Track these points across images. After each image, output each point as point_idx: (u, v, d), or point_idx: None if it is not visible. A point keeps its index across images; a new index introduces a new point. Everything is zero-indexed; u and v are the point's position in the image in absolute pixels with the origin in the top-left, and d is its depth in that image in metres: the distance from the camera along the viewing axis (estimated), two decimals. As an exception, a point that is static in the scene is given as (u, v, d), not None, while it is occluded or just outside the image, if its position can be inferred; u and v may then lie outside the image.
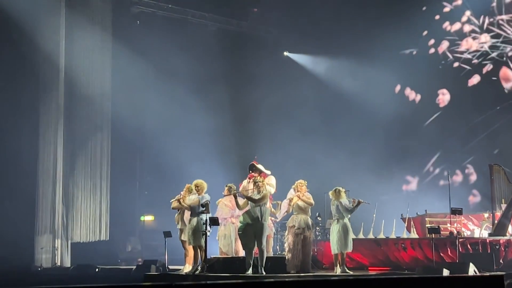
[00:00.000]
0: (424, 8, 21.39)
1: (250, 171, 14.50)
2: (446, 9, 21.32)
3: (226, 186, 14.43)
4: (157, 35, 22.32)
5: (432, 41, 21.50)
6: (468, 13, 20.90)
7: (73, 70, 20.58)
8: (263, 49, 23.22)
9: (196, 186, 13.67)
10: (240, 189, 14.16)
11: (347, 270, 13.49)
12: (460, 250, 14.36)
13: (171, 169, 21.21)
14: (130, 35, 21.89)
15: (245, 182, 14.34)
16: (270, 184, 13.87)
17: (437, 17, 21.37)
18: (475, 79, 20.74)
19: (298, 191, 13.77)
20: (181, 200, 13.87)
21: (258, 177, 13.50)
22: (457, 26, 21.16)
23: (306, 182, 13.81)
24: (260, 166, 14.49)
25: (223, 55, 22.48)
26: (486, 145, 19.96)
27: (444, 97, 21.13)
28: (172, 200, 14.18)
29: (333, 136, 21.57)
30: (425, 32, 21.49)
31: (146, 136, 23.02)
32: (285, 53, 24.37)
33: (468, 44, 20.91)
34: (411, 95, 21.81)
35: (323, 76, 23.22)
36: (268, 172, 14.43)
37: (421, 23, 21.20)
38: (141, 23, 22.61)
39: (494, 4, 20.29)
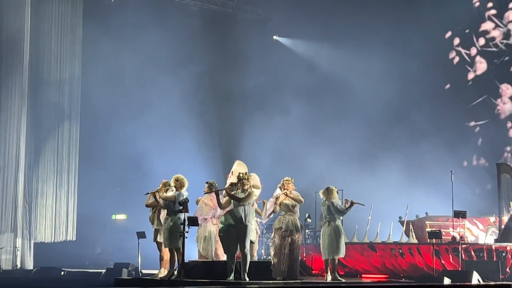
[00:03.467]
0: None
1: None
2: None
3: (207, 183, 14.27)
4: (133, 14, 22.42)
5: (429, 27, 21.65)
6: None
7: (39, 52, 20.56)
8: (249, 31, 23.17)
9: (176, 180, 13.45)
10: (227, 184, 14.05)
11: (339, 278, 13.41)
12: (463, 257, 14.38)
13: (147, 163, 21.17)
14: (103, 14, 21.89)
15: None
16: (255, 186, 13.78)
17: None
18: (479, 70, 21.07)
19: (285, 189, 13.65)
20: (157, 195, 13.69)
21: (243, 174, 13.40)
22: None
23: (293, 180, 13.72)
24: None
25: (205, 37, 22.49)
26: (494, 140, 20.11)
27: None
28: (148, 193, 13.91)
29: (324, 131, 21.76)
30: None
31: (119, 126, 22.99)
32: (275, 37, 24.49)
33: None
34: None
35: (312, 61, 23.45)
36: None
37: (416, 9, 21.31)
38: (116, 1, 22.51)
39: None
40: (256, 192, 13.74)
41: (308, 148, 21.71)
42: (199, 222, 13.86)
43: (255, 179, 13.96)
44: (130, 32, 22.34)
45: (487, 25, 21.14)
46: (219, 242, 13.69)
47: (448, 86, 21.90)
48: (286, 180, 13.70)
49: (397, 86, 21.42)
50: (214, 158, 21.20)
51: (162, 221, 13.70)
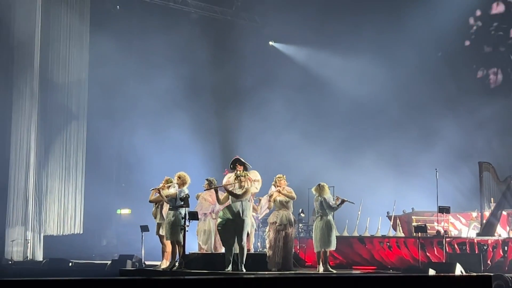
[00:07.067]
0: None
1: (231, 166, 14.48)
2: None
3: (207, 179, 14.39)
4: (137, 21, 22.38)
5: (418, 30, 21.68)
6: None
7: (48, 56, 20.46)
8: (246, 37, 23.08)
9: (179, 177, 13.51)
10: (224, 181, 14.19)
11: (330, 269, 13.45)
12: (447, 250, 14.40)
13: (150, 160, 21.12)
14: (110, 21, 21.82)
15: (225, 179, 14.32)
16: (256, 180, 13.92)
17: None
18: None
19: (278, 186, 13.74)
20: (161, 191, 13.70)
21: (241, 171, 13.54)
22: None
23: (284, 176, 13.81)
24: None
25: (206, 43, 22.48)
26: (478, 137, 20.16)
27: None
28: (152, 189, 13.97)
29: (314, 129, 21.79)
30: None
31: (124, 126, 22.89)
32: (271, 43, 24.46)
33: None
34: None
35: (307, 66, 23.35)
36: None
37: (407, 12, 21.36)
38: (121, 8, 22.52)
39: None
40: (257, 185, 13.89)
41: (302, 146, 21.61)
42: (199, 216, 13.91)
43: (256, 175, 14.06)
44: (135, 38, 22.22)
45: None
46: (218, 235, 13.77)
47: (432, 79, 21.81)
48: (278, 177, 13.80)
49: (389, 88, 21.34)
50: (213, 156, 21.21)
51: (164, 216, 13.79)
